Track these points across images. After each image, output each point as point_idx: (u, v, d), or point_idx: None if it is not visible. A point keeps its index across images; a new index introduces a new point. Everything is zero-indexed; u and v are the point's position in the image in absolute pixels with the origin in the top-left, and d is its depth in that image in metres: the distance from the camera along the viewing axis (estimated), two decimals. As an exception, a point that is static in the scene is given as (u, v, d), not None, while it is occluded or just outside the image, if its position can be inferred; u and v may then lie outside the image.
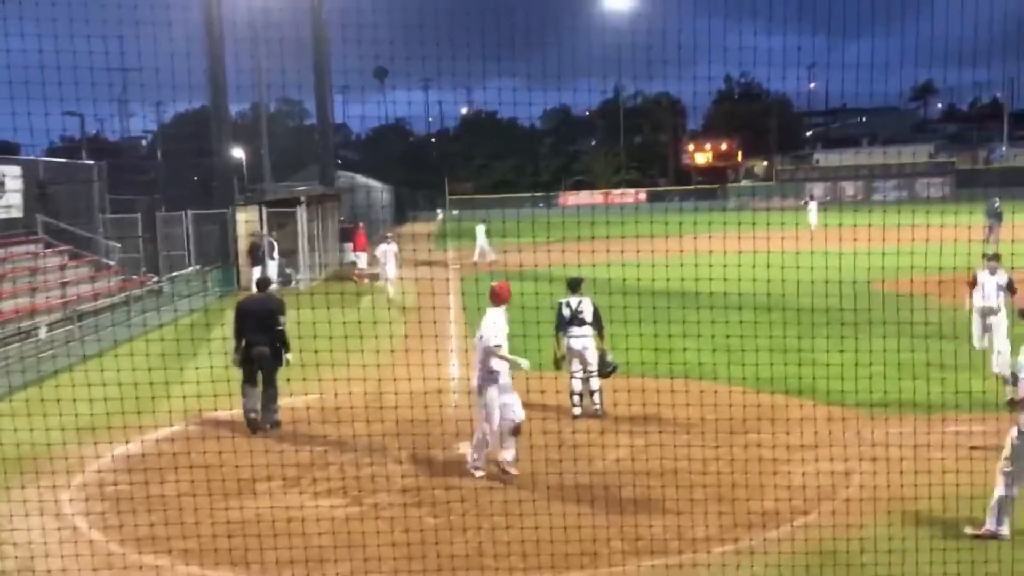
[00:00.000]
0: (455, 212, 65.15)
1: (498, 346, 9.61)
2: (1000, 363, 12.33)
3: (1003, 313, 13.18)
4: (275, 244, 29.38)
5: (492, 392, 9.64)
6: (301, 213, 29.84)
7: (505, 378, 9.71)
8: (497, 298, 9.94)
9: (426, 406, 10.71)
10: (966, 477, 8.33)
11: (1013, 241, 22.72)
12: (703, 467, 8.72)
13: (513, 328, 9.92)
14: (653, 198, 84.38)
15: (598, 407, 11.91)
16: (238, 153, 46.02)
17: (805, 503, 8.50)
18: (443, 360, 14.50)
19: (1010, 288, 13.22)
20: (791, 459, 9.36)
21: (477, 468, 9.83)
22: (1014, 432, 7.67)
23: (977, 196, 46.21)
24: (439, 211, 70.42)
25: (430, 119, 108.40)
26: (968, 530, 7.76)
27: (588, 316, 11.88)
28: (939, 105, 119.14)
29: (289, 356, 12.15)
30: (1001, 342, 12.84)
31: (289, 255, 29.72)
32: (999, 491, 7.66)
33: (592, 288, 12.26)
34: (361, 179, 56.41)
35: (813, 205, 49.05)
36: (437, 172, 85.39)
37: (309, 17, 37.29)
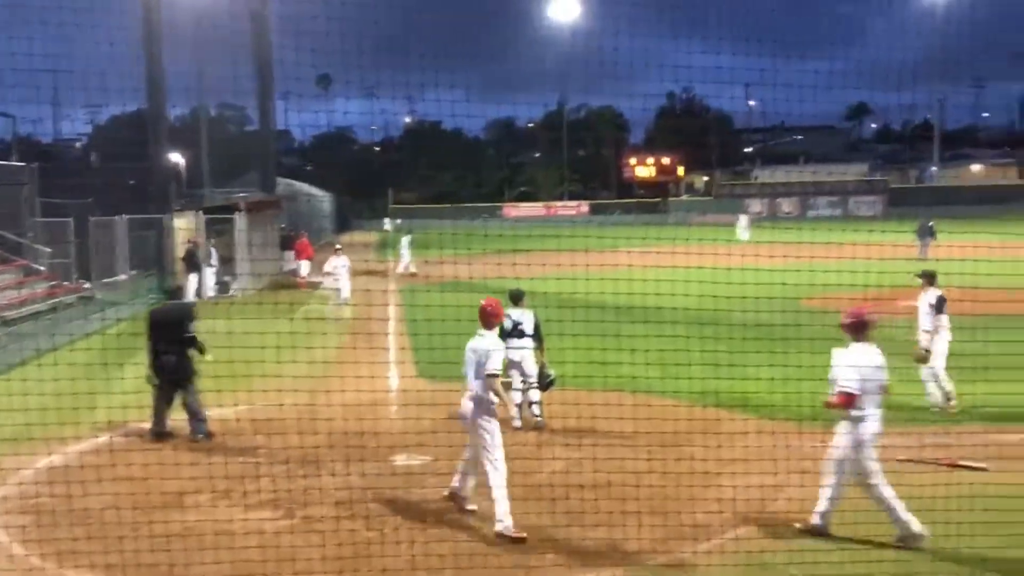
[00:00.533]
0: (398, 221, 64.88)
1: (497, 376, 8.59)
2: (928, 375, 12.37)
3: (941, 334, 12.76)
4: (214, 251, 28.92)
5: (493, 426, 8.56)
6: (240, 220, 29.43)
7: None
8: (492, 318, 8.95)
9: (361, 418, 10.62)
10: (894, 489, 8.51)
11: (938, 260, 23.39)
12: (637, 480, 8.78)
13: (455, 340, 9.63)
14: (595, 211, 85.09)
15: (539, 418, 11.94)
16: (176, 158, 45.20)
17: (736, 515, 8.62)
18: (381, 372, 14.41)
19: (938, 307, 12.72)
20: (723, 472, 9.48)
21: (508, 526, 8.31)
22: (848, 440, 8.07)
23: (908, 215, 47.47)
24: (387, 221, 69.81)
25: (373, 128, 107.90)
26: (895, 541, 7.96)
27: (529, 328, 11.91)
28: (873, 125, 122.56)
29: (209, 356, 11.80)
30: (937, 358, 12.54)
31: (227, 263, 29.26)
32: (888, 511, 7.95)
33: (531, 301, 12.29)
34: (303, 187, 55.89)
35: (744, 220, 49.61)
36: (380, 181, 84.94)
37: (252, 21, 36.86)
